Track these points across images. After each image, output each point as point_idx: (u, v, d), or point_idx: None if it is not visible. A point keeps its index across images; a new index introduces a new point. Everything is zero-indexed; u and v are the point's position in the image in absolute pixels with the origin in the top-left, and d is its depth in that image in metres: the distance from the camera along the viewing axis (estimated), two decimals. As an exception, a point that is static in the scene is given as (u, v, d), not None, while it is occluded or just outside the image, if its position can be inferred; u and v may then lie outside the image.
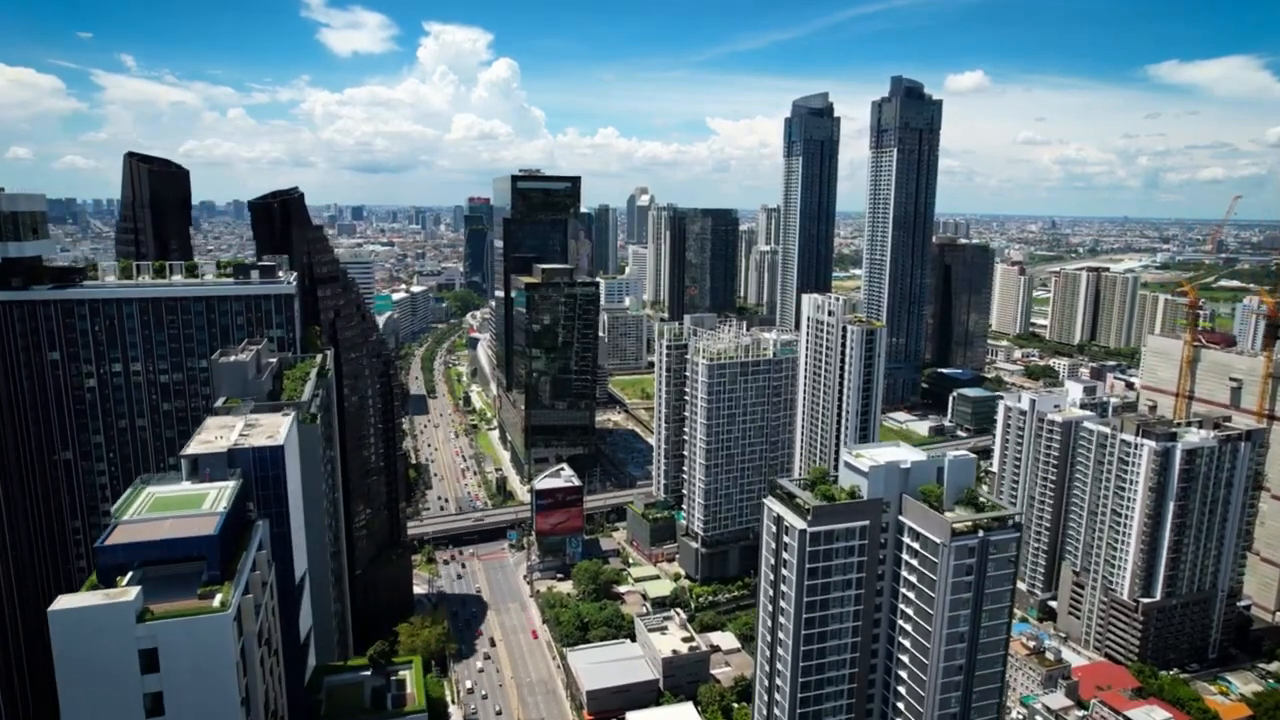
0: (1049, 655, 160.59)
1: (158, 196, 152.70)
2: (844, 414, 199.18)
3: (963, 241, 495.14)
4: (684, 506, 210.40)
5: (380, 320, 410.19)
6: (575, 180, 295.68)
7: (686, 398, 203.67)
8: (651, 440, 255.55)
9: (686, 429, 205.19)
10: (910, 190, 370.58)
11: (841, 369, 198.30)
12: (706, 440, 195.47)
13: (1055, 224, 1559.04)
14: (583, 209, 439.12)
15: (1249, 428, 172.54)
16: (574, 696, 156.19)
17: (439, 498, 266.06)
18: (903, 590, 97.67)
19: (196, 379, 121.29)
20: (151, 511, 56.63)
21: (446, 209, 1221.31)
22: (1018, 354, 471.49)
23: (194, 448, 65.40)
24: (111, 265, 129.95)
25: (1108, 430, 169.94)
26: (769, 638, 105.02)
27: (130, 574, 51.16)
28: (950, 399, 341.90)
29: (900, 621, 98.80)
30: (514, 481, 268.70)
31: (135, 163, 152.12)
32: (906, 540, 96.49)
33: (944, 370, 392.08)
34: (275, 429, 70.39)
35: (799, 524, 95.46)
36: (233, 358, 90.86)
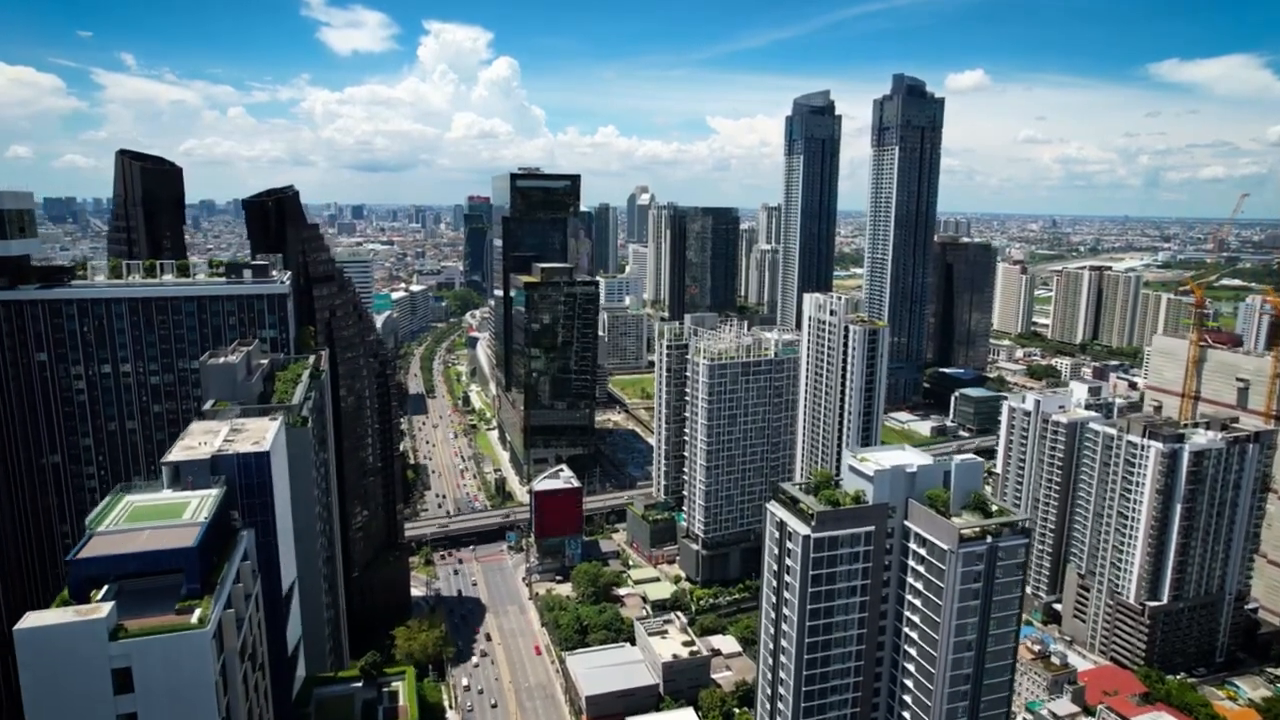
0: (1054, 660, 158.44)
1: (150, 194, 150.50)
2: (846, 415, 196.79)
3: (965, 240, 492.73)
4: (684, 508, 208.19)
5: (379, 319, 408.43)
6: (575, 179, 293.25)
7: (687, 398, 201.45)
8: (652, 440, 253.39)
9: (687, 429, 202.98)
10: (912, 189, 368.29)
11: (844, 369, 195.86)
12: (707, 441, 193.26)
13: (1056, 223, 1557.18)
14: (583, 208, 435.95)
15: (1257, 429, 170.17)
16: (573, 702, 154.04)
17: (438, 492, 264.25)
18: (909, 598, 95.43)
19: (188, 380, 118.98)
20: (129, 522, 54.29)
21: (447, 208, 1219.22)
22: (1020, 353, 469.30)
23: (176, 454, 63.06)
24: (101, 264, 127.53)
25: (1113, 431, 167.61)
26: (771, 645, 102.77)
27: (105, 588, 48.84)
28: (952, 399, 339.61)
29: (906, 629, 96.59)
30: (513, 482, 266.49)
31: (128, 160, 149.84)
32: (913, 546, 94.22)
33: (946, 370, 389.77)
34: (262, 434, 68.08)
35: (802, 530, 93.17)
36: (222, 359, 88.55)
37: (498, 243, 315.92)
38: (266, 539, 64.18)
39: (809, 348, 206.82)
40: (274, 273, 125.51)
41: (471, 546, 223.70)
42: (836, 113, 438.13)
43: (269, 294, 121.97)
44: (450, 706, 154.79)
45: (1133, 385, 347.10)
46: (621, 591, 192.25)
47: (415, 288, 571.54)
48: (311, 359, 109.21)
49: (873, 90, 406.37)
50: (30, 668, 43.90)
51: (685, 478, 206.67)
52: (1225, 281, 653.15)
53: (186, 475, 60.74)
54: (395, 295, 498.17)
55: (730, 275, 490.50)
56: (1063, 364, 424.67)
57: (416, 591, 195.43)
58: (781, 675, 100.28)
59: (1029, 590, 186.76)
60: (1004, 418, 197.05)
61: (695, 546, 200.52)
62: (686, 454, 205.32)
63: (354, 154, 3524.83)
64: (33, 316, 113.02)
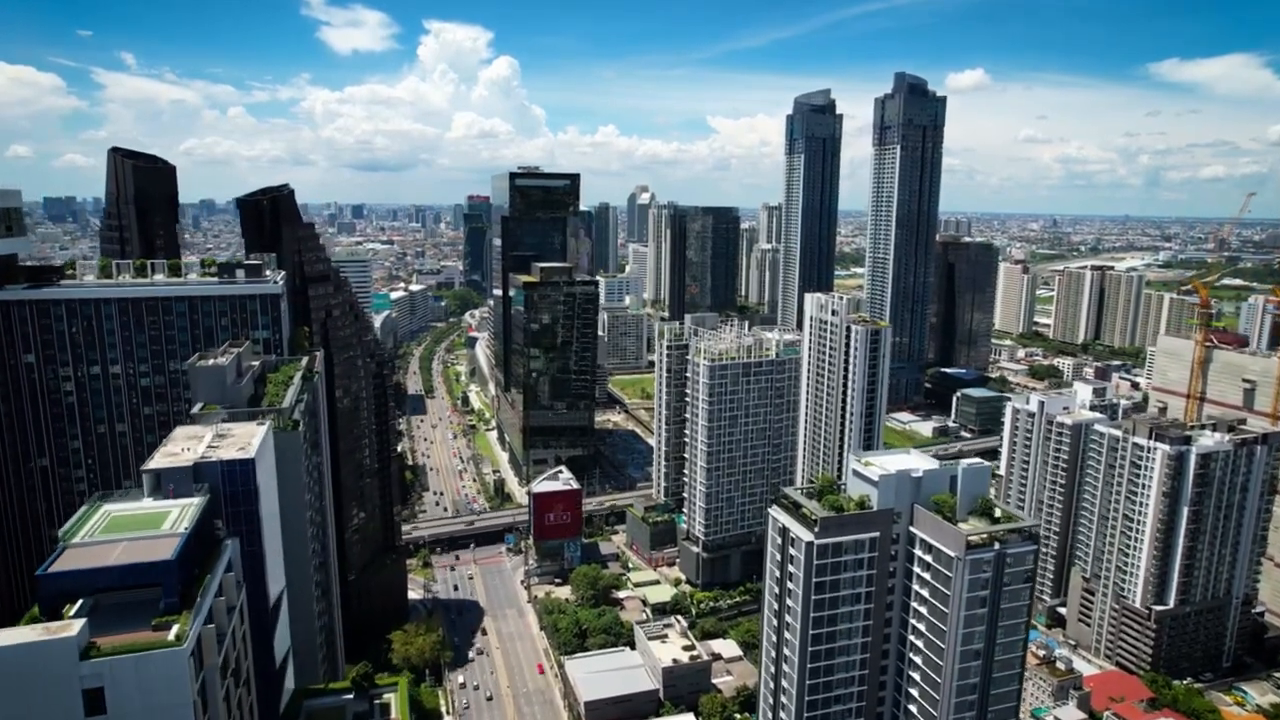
0: (1060, 665, 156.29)
1: (143, 193, 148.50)
2: (848, 416, 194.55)
3: (966, 240, 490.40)
4: (684, 510, 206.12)
5: (378, 319, 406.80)
6: (574, 178, 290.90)
7: (687, 399, 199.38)
8: (652, 441, 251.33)
9: (687, 431, 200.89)
10: (914, 188, 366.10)
11: (845, 370, 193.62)
12: (708, 442, 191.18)
13: (1056, 222, 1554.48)
14: (583, 207, 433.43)
15: (1264, 430, 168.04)
16: (571, 707, 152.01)
17: (436, 490, 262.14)
18: (914, 605, 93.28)
19: (179, 382, 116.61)
20: (105, 533, 52.06)
21: (447, 207, 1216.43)
22: (1021, 353, 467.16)
23: (157, 461, 60.82)
24: (91, 264, 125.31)
25: (1119, 433, 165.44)
26: (774, 653, 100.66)
27: (80, 603, 46.65)
28: (954, 399, 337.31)
29: (911, 637, 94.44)
30: (512, 483, 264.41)
31: (120, 158, 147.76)
32: (918, 553, 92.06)
33: (947, 370, 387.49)
34: (248, 440, 65.89)
35: (806, 536, 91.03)
36: (211, 361, 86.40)
37: (497, 242, 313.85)
38: (252, 548, 62.00)
39: (810, 348, 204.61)
40: (267, 272, 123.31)
41: (470, 548, 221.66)
42: (837, 111, 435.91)
43: (262, 294, 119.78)
44: (447, 712, 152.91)
45: (1135, 385, 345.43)
46: (621, 594, 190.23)
47: (415, 287, 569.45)
48: (305, 360, 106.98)
49: (872, 90, 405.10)
50: (-3, 689, 41.70)
51: (685, 479, 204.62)
52: (1226, 281, 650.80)
53: (168, 483, 58.48)
54: (394, 295, 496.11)
55: (731, 275, 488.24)
56: (1065, 364, 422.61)
57: (414, 594, 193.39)
58: (784, 684, 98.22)
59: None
60: (1008, 419, 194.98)
61: (695, 549, 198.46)
62: (687, 455, 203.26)
63: (354, 153, 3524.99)
64: (20, 317, 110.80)
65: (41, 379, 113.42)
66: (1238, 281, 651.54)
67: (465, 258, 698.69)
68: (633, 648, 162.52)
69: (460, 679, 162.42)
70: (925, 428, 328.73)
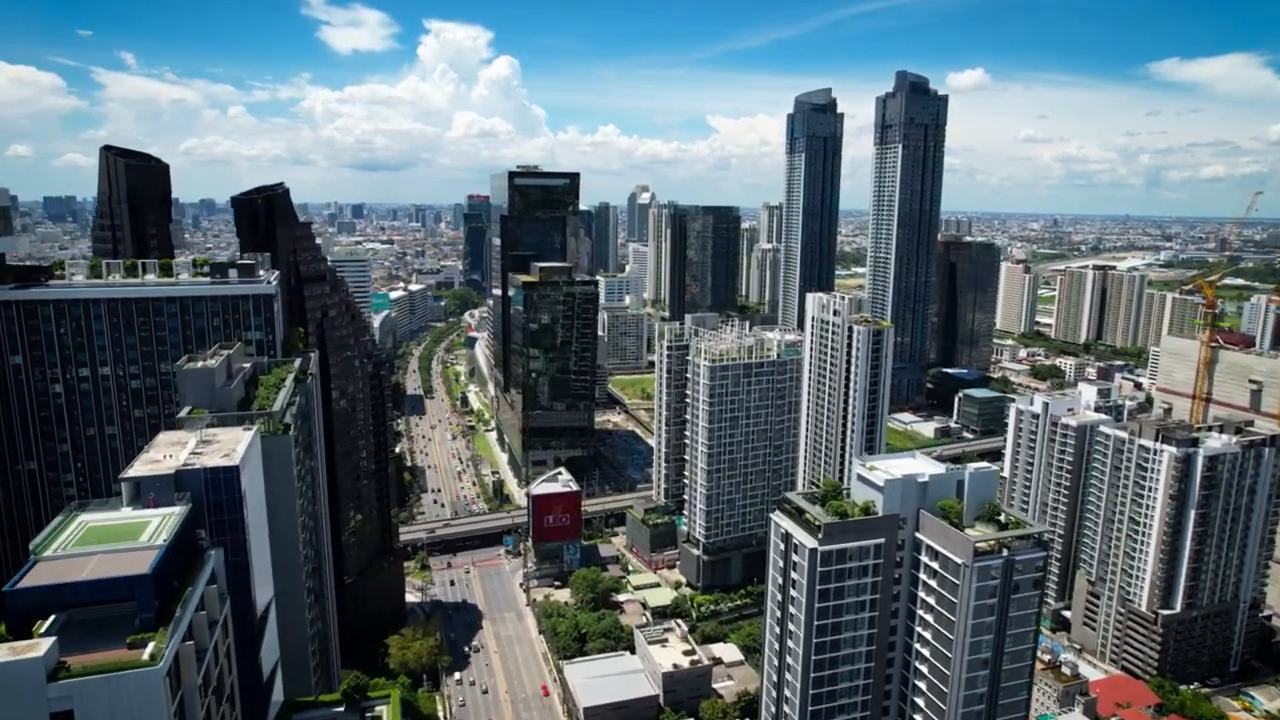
0: (1065, 670, 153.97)
1: (135, 192, 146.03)
2: (850, 417, 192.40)
3: (968, 239, 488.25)
4: (685, 512, 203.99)
5: (377, 319, 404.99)
6: (574, 177, 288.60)
7: (688, 400, 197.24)
8: (652, 441, 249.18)
9: (688, 432, 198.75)
10: (915, 187, 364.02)
11: (848, 371, 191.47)
12: (708, 444, 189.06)
13: (1057, 222, 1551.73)
14: (583, 206, 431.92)
15: (1272, 432, 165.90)
16: (571, 713, 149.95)
17: (435, 491, 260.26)
18: (920, 613, 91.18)
19: (170, 384, 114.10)
20: (80, 545, 49.76)
21: (447, 207, 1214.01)
22: (1023, 353, 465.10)
23: (137, 469, 58.48)
24: (80, 264, 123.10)
25: (1125, 435, 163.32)
26: (776, 661, 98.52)
27: (51, 620, 44.45)
28: (956, 400, 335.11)
29: (917, 646, 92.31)
30: (511, 484, 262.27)
31: (112, 156, 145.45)
32: (924, 559, 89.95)
33: (949, 370, 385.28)
34: (233, 446, 63.67)
35: (809, 542, 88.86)
36: (200, 364, 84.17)
37: (496, 242, 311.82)
38: (237, 558, 59.76)
39: (812, 348, 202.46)
40: (260, 272, 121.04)
41: (469, 550, 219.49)
42: (838, 110, 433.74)
43: (255, 294, 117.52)
44: (445, 717, 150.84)
45: (1138, 386, 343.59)
46: (621, 598, 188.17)
47: (414, 287, 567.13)
48: (298, 362, 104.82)
49: (871, 89, 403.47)
50: (-41, 711, 39.61)
51: (686, 481, 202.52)
52: (1228, 281, 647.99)
53: (148, 492, 56.16)
54: (394, 295, 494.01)
55: (731, 274, 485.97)
56: (1067, 364, 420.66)
57: (411, 598, 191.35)
58: (787, 693, 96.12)
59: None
60: (1011, 420, 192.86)
61: (696, 551, 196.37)
62: (687, 457, 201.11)
63: (354, 153, 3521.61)
64: (7, 318, 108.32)
65: (29, 381, 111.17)
66: (1239, 281, 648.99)
67: (465, 257, 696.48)
68: (632, 652, 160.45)
69: (458, 683, 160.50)
70: (927, 428, 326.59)
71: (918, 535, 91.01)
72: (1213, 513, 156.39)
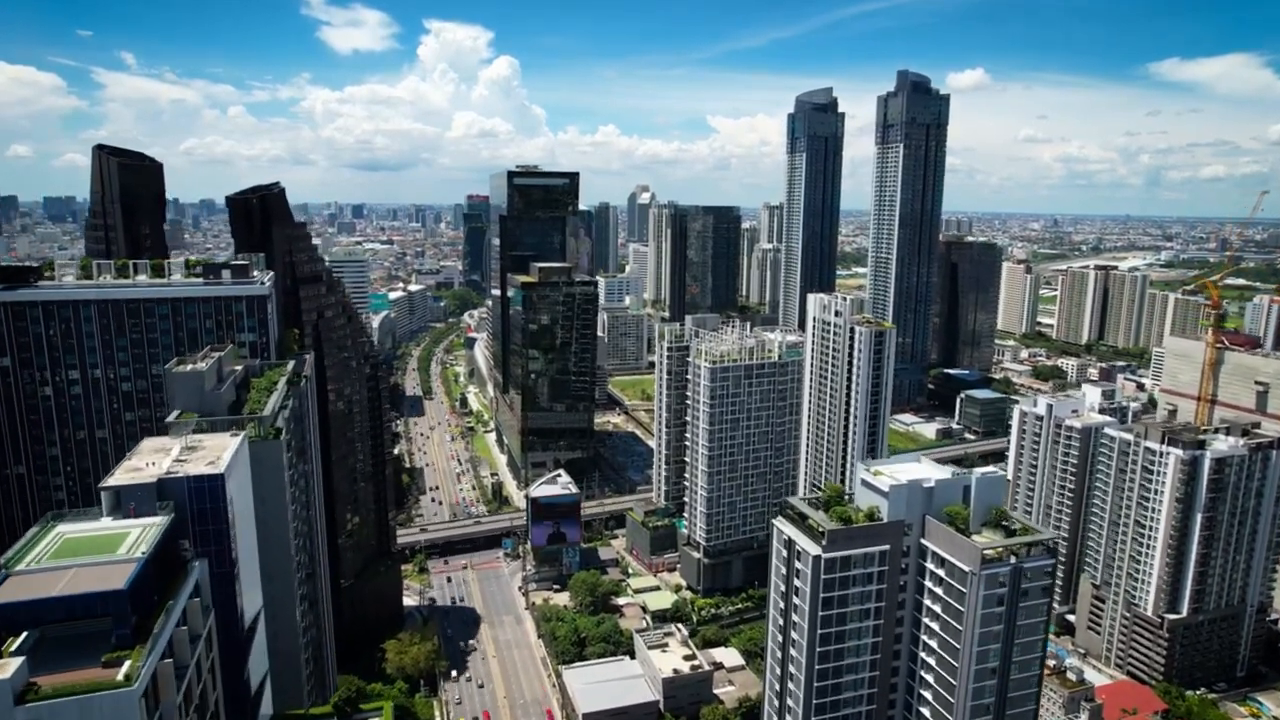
0: (1070, 675, 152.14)
1: (129, 191, 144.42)
2: (852, 419, 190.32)
3: (969, 239, 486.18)
4: (685, 514, 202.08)
5: (376, 320, 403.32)
6: (573, 176, 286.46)
7: (688, 401, 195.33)
8: (652, 443, 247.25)
9: (688, 434, 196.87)
10: (917, 187, 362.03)
11: (849, 372, 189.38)
12: (709, 446, 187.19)
13: (1057, 222, 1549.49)
14: (583, 206, 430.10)
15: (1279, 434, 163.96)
16: (569, 718, 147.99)
17: (433, 491, 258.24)
18: (926, 621, 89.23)
19: (162, 387, 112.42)
20: (56, 558, 47.75)
21: (447, 207, 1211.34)
22: (1025, 354, 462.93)
23: (117, 478, 56.44)
24: (71, 264, 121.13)
25: (1130, 437, 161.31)
26: (778, 669, 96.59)
27: (24, 637, 42.50)
28: (957, 401, 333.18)
29: (923, 655, 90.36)
30: (510, 486, 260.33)
31: (104, 156, 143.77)
32: (930, 567, 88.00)
33: (951, 371, 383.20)
34: (218, 453, 61.70)
35: (813, 549, 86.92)
36: (189, 367, 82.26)
37: (496, 242, 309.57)
38: (223, 569, 57.80)
39: (813, 350, 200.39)
40: (254, 273, 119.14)
41: (467, 553, 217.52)
42: (839, 110, 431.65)
43: (248, 295, 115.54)
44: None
45: (1140, 386, 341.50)
46: (620, 601, 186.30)
47: (414, 287, 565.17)
48: (291, 364, 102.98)
49: (871, 89, 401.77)
50: (-79, 737, 37.67)
51: (686, 483, 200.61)
52: (1229, 281, 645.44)
53: (128, 502, 54.11)
54: (393, 295, 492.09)
55: (731, 275, 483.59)
56: (1069, 364, 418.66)
57: (409, 601, 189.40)
58: (789, 702, 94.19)
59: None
60: (1015, 422, 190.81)
61: (696, 554, 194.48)
62: (688, 459, 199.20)
63: (354, 153, 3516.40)
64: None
65: (17, 383, 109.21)
66: (1240, 281, 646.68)
67: (465, 258, 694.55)
68: (632, 656, 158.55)
69: (455, 689, 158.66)
70: (929, 430, 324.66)
71: (923, 542, 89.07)
72: (1219, 516, 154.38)
